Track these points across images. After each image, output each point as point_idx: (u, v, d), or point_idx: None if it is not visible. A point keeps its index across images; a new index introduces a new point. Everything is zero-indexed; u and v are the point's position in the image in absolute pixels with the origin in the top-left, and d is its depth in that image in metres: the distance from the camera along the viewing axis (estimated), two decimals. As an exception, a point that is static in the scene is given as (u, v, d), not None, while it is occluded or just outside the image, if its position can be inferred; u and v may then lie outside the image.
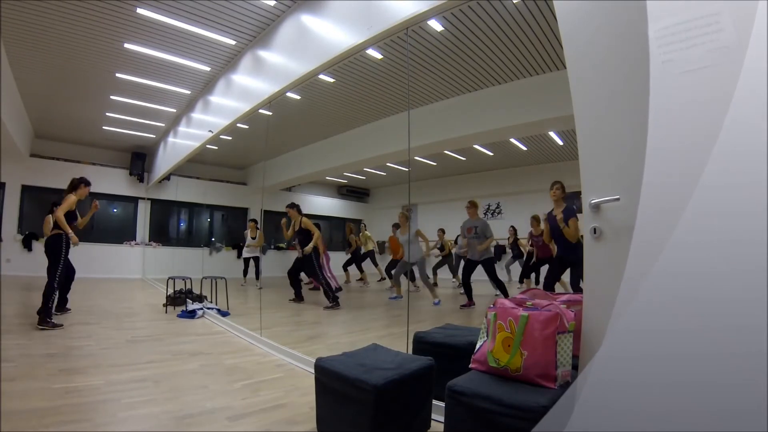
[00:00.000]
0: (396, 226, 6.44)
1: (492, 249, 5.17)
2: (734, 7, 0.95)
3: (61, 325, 3.47)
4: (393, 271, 6.25)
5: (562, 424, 1.05)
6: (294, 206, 5.52)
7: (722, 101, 0.92)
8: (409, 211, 6.03)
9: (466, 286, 5.08)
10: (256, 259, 7.64)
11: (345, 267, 7.82)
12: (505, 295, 4.87)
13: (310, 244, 5.25)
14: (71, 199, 3.72)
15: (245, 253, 7.72)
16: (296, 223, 5.44)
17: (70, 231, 3.65)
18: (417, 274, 5.79)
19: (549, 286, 3.94)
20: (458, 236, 6.54)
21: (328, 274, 5.33)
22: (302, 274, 5.70)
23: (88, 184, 3.94)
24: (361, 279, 8.00)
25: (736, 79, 0.91)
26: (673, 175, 1.00)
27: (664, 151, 1.02)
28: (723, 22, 0.96)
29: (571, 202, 3.64)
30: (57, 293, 3.64)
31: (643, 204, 1.03)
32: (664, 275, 0.96)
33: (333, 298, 5.09)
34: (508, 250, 7.51)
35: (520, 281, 5.84)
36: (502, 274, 6.45)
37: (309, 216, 5.98)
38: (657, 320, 0.96)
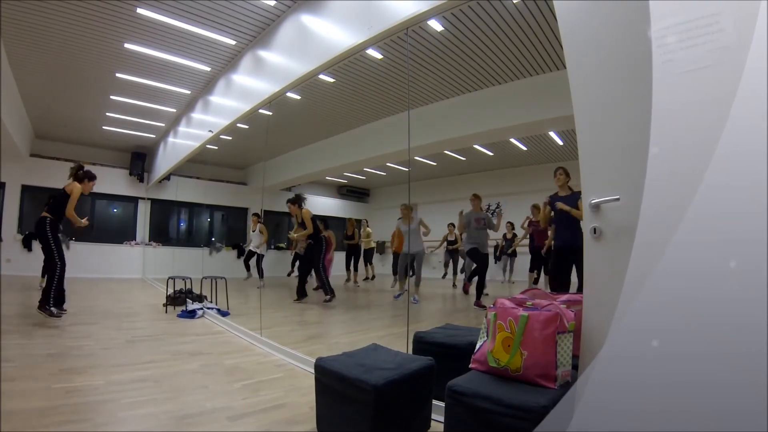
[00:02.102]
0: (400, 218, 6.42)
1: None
2: (735, 7, 0.95)
3: (59, 316, 3.57)
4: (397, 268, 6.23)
5: (564, 425, 1.05)
6: (294, 201, 5.41)
7: (723, 101, 0.92)
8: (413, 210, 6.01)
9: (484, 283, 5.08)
10: (260, 257, 7.57)
11: (347, 266, 7.77)
12: (478, 296, 5.00)
13: (296, 234, 5.31)
14: (76, 193, 3.71)
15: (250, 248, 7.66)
16: (297, 218, 5.40)
17: (83, 222, 3.77)
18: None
19: (557, 281, 3.61)
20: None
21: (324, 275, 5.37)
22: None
23: (93, 178, 3.94)
24: (349, 279, 7.86)
25: (737, 79, 0.91)
26: (674, 175, 1.00)
27: (665, 151, 1.02)
28: (723, 22, 0.96)
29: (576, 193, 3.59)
30: (56, 279, 3.62)
31: (645, 204, 1.03)
32: (666, 275, 0.96)
33: (330, 290, 5.22)
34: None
35: (538, 275, 5.72)
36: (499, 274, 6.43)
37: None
38: (659, 320, 0.96)
